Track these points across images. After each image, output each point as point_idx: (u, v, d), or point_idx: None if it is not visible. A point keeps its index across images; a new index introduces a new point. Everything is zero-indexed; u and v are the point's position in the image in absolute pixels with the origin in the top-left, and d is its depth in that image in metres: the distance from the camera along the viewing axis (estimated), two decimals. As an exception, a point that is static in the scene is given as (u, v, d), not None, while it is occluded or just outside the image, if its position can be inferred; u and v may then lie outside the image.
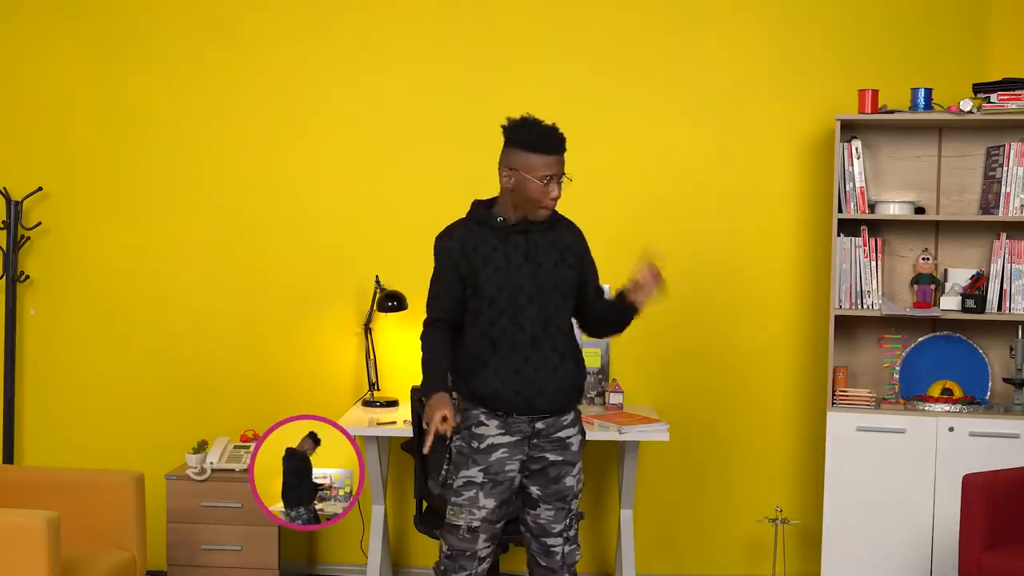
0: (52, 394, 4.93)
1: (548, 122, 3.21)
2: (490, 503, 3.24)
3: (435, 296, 3.30)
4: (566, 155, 3.23)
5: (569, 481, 3.31)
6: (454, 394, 3.68)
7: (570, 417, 3.33)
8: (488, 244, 3.24)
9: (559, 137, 3.21)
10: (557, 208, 3.32)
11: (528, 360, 3.22)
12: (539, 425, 3.27)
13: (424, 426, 3.20)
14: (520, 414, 3.23)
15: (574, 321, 3.39)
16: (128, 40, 4.86)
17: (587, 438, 3.42)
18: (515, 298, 3.22)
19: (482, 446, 3.25)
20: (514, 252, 3.24)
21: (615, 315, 3.38)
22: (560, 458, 3.30)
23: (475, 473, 3.25)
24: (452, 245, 3.25)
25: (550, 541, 3.32)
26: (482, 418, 3.26)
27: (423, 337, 3.32)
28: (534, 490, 3.30)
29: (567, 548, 3.33)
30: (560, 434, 3.30)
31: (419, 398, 3.97)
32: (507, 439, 3.25)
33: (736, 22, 4.73)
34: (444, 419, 3.12)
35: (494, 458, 3.24)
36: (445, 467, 3.34)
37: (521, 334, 3.22)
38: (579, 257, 3.35)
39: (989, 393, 4.49)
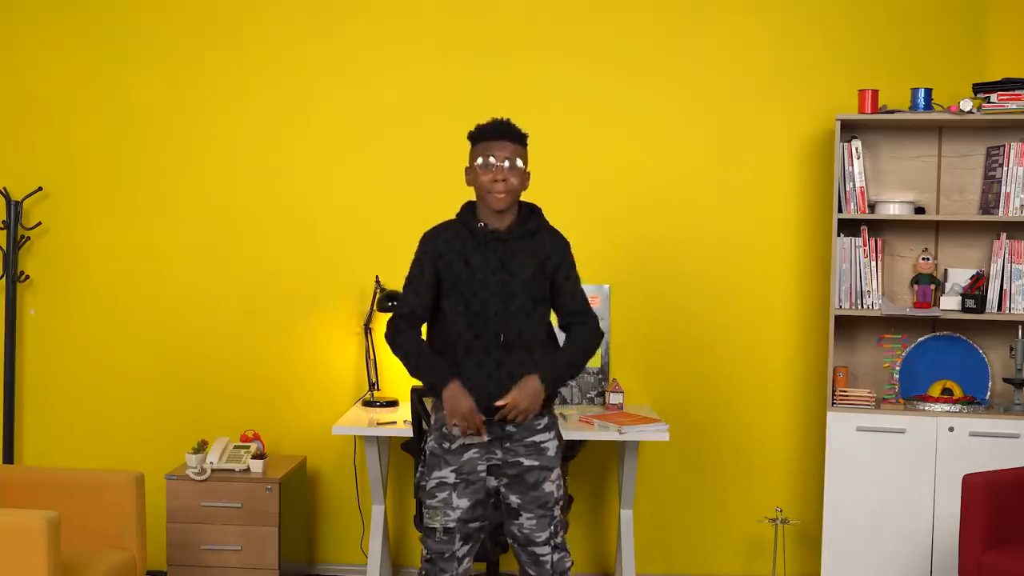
0: (52, 394, 4.93)
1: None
2: (464, 503, 3.24)
3: (415, 290, 3.28)
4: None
5: (548, 487, 3.28)
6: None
7: (544, 422, 3.30)
8: (468, 248, 3.23)
9: (498, 124, 3.23)
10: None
11: (501, 365, 3.22)
12: (510, 428, 3.25)
13: (454, 425, 3.18)
14: (490, 418, 3.21)
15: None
16: (128, 40, 4.86)
17: (587, 438, 3.41)
18: (488, 303, 3.20)
19: (453, 446, 3.25)
20: (492, 258, 3.22)
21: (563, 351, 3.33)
22: (536, 463, 3.27)
23: (447, 474, 3.25)
24: (437, 244, 3.26)
25: (538, 551, 3.28)
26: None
27: (395, 332, 3.29)
28: (513, 499, 3.27)
29: (556, 556, 3.30)
30: (535, 438, 3.28)
31: (424, 394, 3.91)
32: (477, 439, 3.24)
33: (736, 22, 4.73)
34: (471, 412, 3.14)
35: (466, 458, 3.25)
36: (420, 469, 3.33)
37: (494, 339, 3.21)
38: (555, 267, 3.29)
39: (989, 393, 4.49)
